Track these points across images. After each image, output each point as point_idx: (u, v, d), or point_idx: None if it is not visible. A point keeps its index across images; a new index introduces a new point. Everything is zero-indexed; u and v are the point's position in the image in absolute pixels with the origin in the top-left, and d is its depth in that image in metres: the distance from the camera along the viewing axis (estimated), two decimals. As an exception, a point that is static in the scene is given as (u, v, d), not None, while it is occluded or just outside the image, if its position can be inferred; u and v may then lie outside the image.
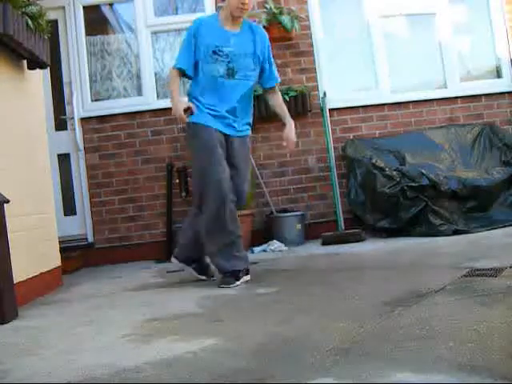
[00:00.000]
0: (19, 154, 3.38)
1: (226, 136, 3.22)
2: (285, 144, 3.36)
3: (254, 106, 3.47)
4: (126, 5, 5.39)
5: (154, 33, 5.33)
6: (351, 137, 5.17)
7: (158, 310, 2.64)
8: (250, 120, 3.38)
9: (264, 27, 5.03)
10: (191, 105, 3.19)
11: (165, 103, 5.12)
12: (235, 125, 3.24)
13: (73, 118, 5.13)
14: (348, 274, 3.16)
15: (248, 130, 3.37)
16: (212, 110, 3.18)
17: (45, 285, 3.50)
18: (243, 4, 3.08)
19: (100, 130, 5.15)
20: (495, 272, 2.58)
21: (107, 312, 2.78)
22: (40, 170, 3.77)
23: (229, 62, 3.14)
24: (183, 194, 5.07)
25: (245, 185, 3.30)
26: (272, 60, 3.38)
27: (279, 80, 3.47)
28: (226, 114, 3.20)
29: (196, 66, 3.20)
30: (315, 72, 5.23)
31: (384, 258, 3.68)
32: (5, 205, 2.74)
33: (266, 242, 4.72)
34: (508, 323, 1.81)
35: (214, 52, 3.13)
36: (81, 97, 5.17)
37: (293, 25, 5.01)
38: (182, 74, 3.23)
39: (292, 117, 3.42)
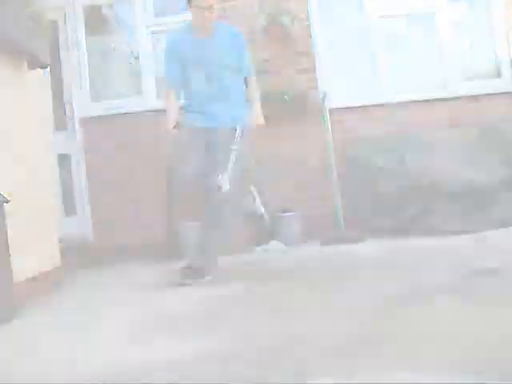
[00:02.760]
0: (19, 153, 3.38)
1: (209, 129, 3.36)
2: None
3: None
4: (126, 5, 5.39)
5: (154, 33, 5.33)
6: (351, 137, 5.17)
7: (158, 310, 2.64)
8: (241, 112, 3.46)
9: (264, 27, 5.07)
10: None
11: (165, 103, 5.12)
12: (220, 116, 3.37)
13: (73, 118, 5.13)
14: (348, 274, 3.16)
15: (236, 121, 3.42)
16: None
17: (44, 285, 3.49)
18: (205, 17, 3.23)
19: (100, 130, 5.14)
20: (495, 272, 2.58)
21: (107, 312, 2.78)
22: (40, 170, 3.76)
23: (207, 66, 3.32)
24: (183, 194, 5.06)
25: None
26: (246, 55, 3.48)
27: (252, 74, 3.55)
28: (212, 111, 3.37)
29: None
30: (315, 72, 5.22)
31: (384, 257, 3.67)
32: (5, 204, 2.74)
33: (266, 242, 4.72)
34: (508, 323, 1.81)
35: (192, 61, 3.33)
36: (81, 97, 5.17)
37: (293, 25, 5.01)
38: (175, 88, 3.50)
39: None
